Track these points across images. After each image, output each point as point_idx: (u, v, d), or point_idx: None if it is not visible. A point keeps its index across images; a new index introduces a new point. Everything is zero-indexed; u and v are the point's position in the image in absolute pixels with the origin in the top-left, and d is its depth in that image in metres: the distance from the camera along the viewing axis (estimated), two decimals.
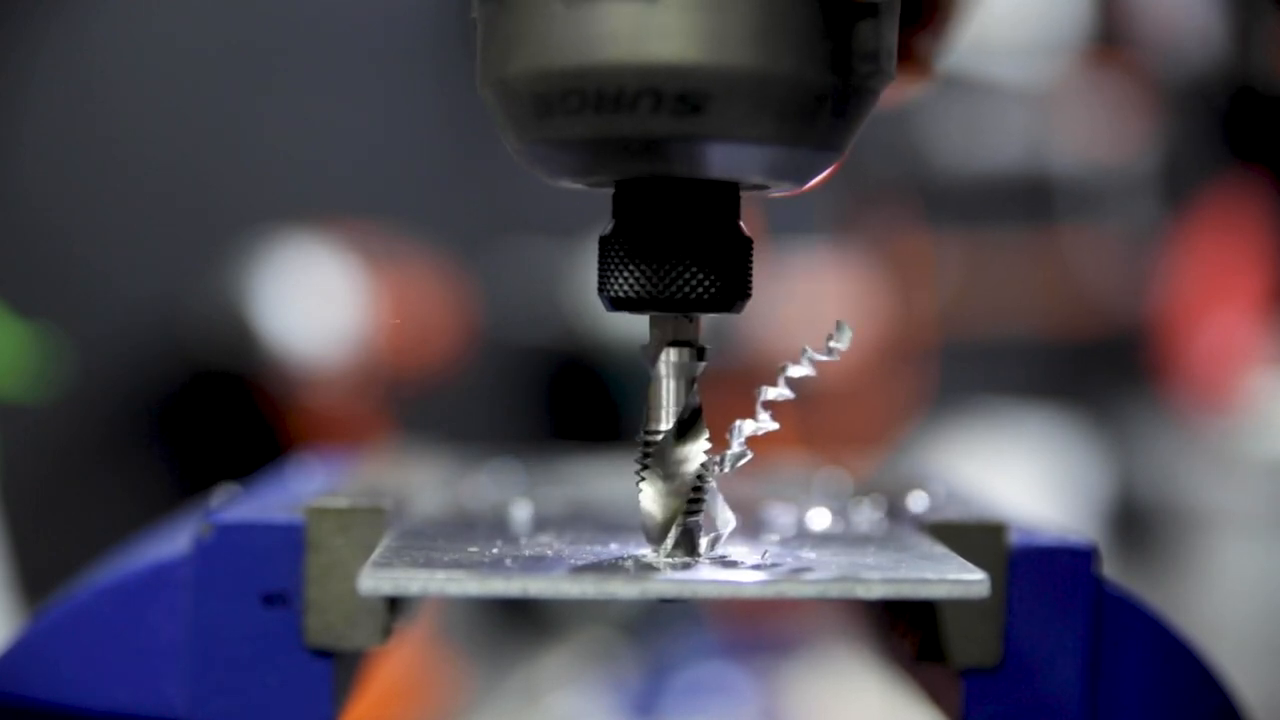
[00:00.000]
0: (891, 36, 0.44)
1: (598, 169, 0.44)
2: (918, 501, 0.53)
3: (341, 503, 0.46)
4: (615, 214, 0.45)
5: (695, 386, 0.46)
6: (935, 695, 0.50)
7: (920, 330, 1.91)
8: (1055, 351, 1.99)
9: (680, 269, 0.44)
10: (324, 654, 0.46)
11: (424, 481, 0.62)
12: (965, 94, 1.94)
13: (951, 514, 0.49)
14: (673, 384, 0.46)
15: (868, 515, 0.55)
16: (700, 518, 0.46)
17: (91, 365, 1.59)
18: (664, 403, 0.46)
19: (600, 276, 0.45)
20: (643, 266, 0.44)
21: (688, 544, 0.46)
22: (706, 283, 0.44)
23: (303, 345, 1.57)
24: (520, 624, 1.57)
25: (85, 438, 1.62)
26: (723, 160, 0.43)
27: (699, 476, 0.46)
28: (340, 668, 0.47)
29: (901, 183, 1.91)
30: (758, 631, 1.50)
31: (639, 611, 1.51)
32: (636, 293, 0.44)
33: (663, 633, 1.49)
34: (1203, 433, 1.85)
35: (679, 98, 0.41)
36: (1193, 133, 2.01)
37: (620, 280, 0.44)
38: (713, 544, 0.46)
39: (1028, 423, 1.91)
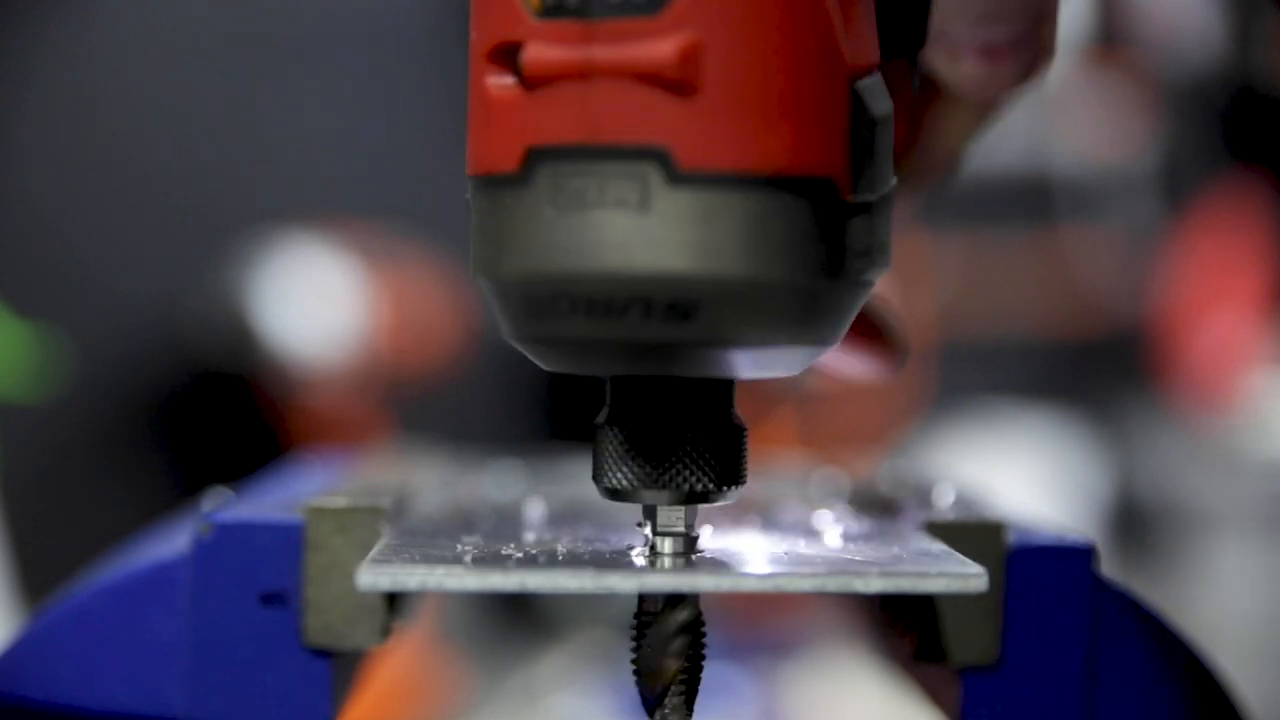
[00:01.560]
0: (886, 229, 0.44)
1: (590, 366, 0.44)
2: (917, 501, 0.54)
3: (340, 502, 0.46)
4: (610, 402, 0.45)
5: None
6: (934, 694, 0.50)
7: (920, 331, 1.91)
8: (1055, 351, 2.00)
9: (675, 462, 0.44)
10: (323, 654, 0.46)
11: (424, 481, 0.62)
12: None
13: (950, 513, 0.49)
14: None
15: (866, 514, 0.55)
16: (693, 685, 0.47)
17: (91, 365, 1.59)
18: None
19: (595, 464, 0.45)
20: (638, 460, 0.44)
21: (682, 711, 0.46)
22: (701, 476, 0.44)
23: (303, 345, 1.57)
24: (520, 624, 1.57)
25: (85, 438, 1.63)
26: (714, 363, 0.43)
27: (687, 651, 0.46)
28: (339, 667, 0.47)
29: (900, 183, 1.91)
30: (758, 631, 1.50)
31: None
32: (630, 483, 0.44)
33: None
34: (1203, 433, 1.85)
35: (669, 306, 0.41)
36: (1193, 133, 2.02)
37: (615, 473, 0.44)
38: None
39: (1028, 423, 1.91)
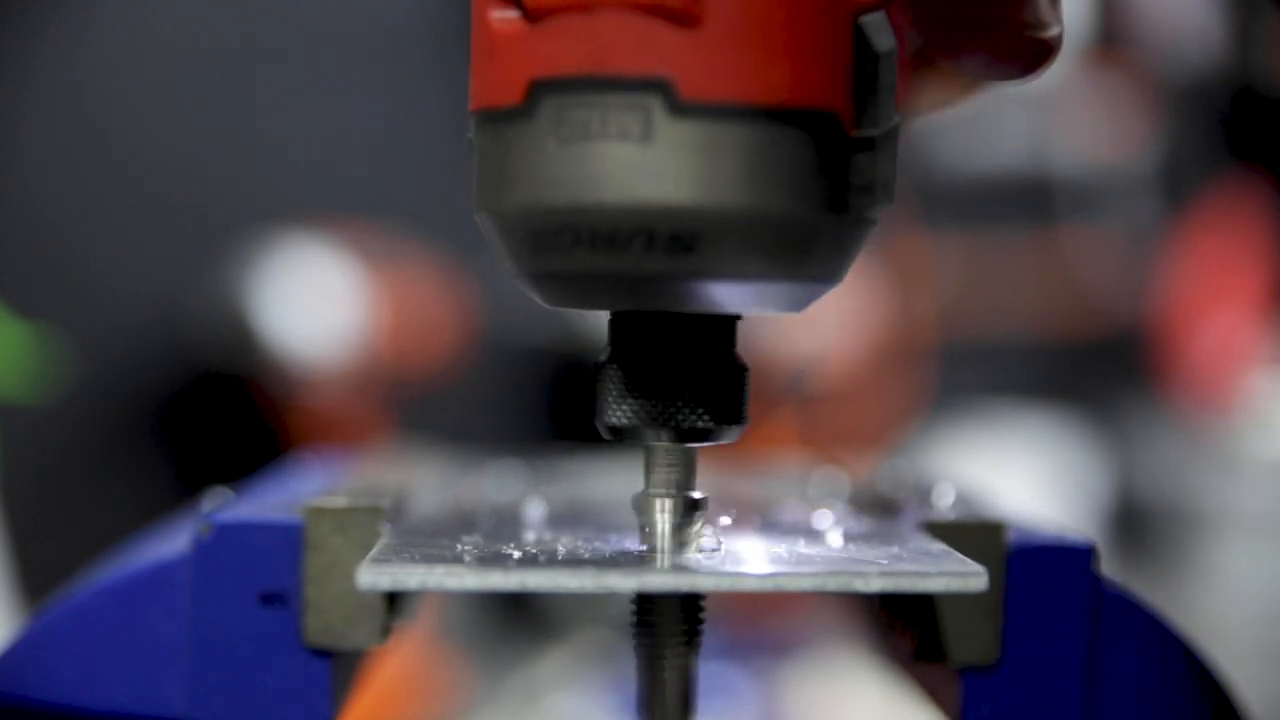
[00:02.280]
0: (890, 166, 0.44)
1: (593, 302, 0.44)
2: (917, 501, 0.54)
3: (340, 502, 0.46)
4: (611, 341, 0.45)
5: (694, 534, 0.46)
6: (934, 694, 0.50)
7: (920, 331, 1.91)
8: (1055, 352, 2.00)
9: (676, 400, 0.44)
10: (323, 653, 0.46)
11: (424, 481, 0.62)
12: None
13: (950, 513, 0.49)
14: (668, 531, 0.46)
15: (866, 514, 0.55)
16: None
17: (91, 365, 1.59)
18: (660, 546, 0.46)
19: (597, 403, 0.45)
20: (639, 397, 0.44)
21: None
22: (700, 413, 0.44)
23: (303, 346, 1.57)
24: (520, 624, 1.57)
25: (85, 438, 1.63)
26: (716, 296, 0.43)
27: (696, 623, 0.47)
28: (339, 667, 0.47)
29: (901, 183, 1.91)
30: (758, 631, 1.50)
31: None
32: (631, 421, 0.44)
33: None
34: (1203, 433, 1.85)
35: (671, 238, 0.41)
36: (1193, 133, 2.02)
37: (616, 411, 0.45)
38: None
39: (1028, 423, 1.91)
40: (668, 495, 0.46)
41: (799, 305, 0.45)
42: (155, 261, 1.64)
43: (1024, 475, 1.81)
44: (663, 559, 0.45)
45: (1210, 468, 1.79)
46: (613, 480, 0.64)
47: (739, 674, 1.43)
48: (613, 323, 0.46)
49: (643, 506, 0.46)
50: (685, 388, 0.44)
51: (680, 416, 0.44)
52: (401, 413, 1.64)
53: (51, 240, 1.62)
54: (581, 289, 0.43)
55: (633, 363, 0.44)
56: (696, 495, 0.46)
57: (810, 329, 1.75)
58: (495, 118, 0.43)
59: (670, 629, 0.47)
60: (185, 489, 0.76)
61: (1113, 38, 2.01)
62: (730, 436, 0.45)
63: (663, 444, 0.45)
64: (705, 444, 0.45)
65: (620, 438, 0.45)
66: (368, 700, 0.55)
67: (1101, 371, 2.00)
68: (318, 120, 1.71)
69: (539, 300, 0.45)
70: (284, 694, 0.45)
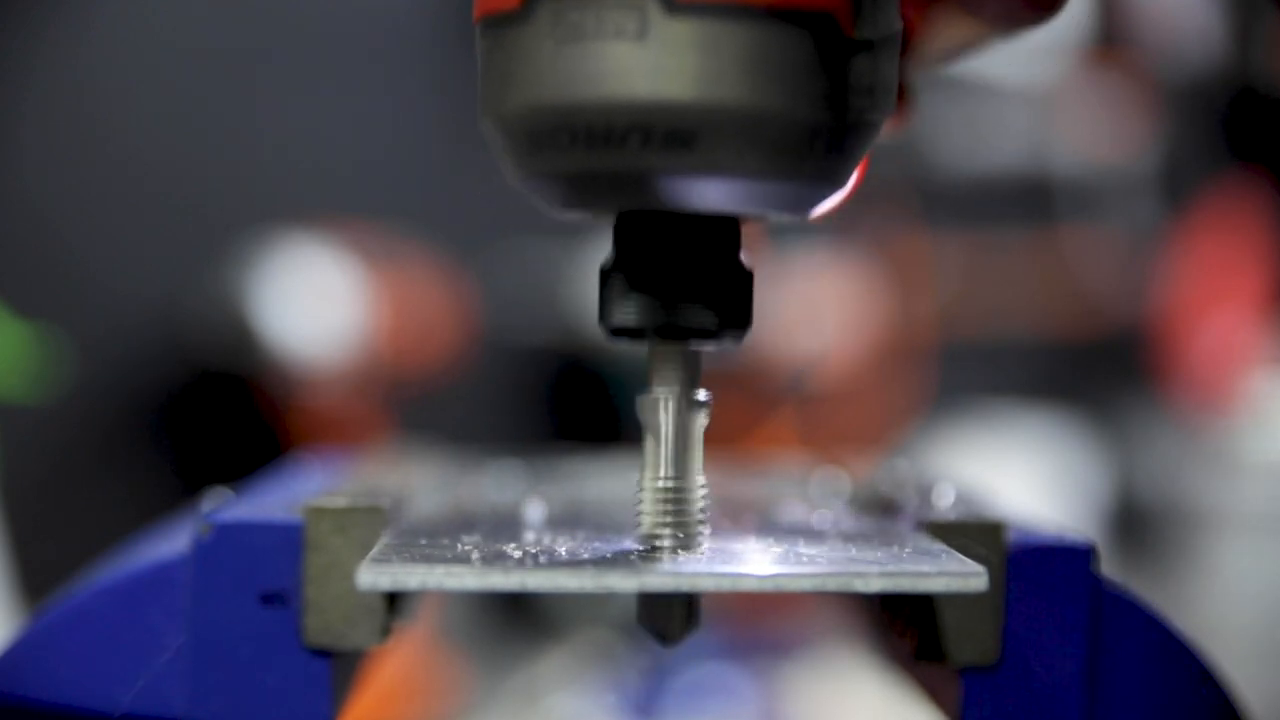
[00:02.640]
0: (890, 70, 0.44)
1: (593, 202, 0.45)
2: (917, 501, 0.54)
3: (340, 502, 0.46)
4: (615, 243, 0.46)
5: (698, 436, 0.46)
6: (934, 694, 0.50)
7: (920, 331, 1.91)
8: (1055, 352, 2.00)
9: (678, 298, 0.44)
10: (323, 653, 0.46)
11: (424, 482, 0.62)
12: (965, 94, 1.94)
13: (949, 513, 0.49)
14: (671, 432, 0.46)
15: (866, 514, 0.55)
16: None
17: (91, 365, 1.60)
18: (662, 452, 0.46)
19: (600, 306, 0.45)
20: (642, 295, 0.44)
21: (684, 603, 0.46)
22: (705, 312, 0.44)
23: (303, 346, 1.57)
24: (520, 624, 1.57)
25: (85, 438, 1.63)
26: (714, 194, 0.43)
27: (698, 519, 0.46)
28: (339, 667, 0.47)
29: (901, 183, 1.91)
30: (757, 632, 1.50)
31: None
32: (635, 322, 0.45)
33: None
34: (1203, 433, 1.85)
35: (667, 134, 0.41)
36: (1193, 133, 2.02)
37: (619, 310, 0.45)
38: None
39: (1028, 423, 1.91)
40: (670, 395, 0.46)
41: (802, 208, 0.45)
42: (155, 261, 1.64)
43: (1024, 475, 1.81)
44: (665, 466, 0.45)
45: (1210, 468, 1.79)
46: (613, 480, 0.64)
47: (739, 674, 1.43)
48: (616, 226, 0.46)
49: (644, 407, 0.46)
50: (688, 286, 0.44)
51: (682, 313, 0.44)
52: (401, 413, 1.64)
53: (51, 240, 1.62)
54: (581, 189, 0.44)
55: (636, 264, 0.45)
56: (700, 396, 0.46)
57: (810, 329, 1.75)
58: (495, 23, 0.43)
59: None
60: (185, 489, 0.76)
61: (1113, 38, 2.01)
62: (734, 341, 0.45)
63: (665, 346, 0.45)
64: (709, 346, 0.45)
65: (624, 337, 0.45)
66: (368, 700, 0.55)
67: (1101, 371, 2.00)
68: (318, 120, 1.71)
69: (544, 205, 0.45)
70: (284, 694, 0.45)
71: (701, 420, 0.46)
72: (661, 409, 0.46)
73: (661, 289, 0.44)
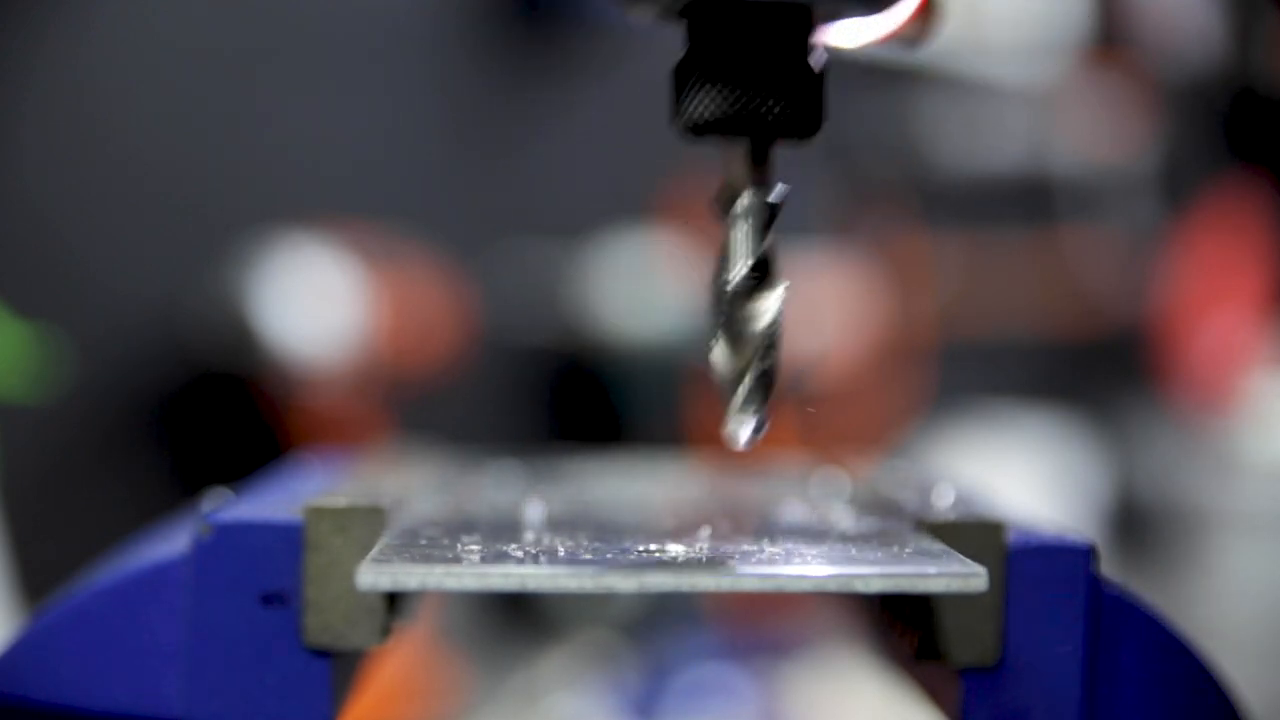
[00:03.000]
0: None
1: None
2: (917, 501, 0.54)
3: (340, 502, 0.46)
4: (688, 39, 0.45)
5: (771, 234, 0.46)
6: (934, 694, 0.50)
7: (920, 331, 1.91)
8: (1055, 352, 2.00)
9: (755, 89, 0.44)
10: (323, 654, 0.46)
11: (424, 482, 0.62)
12: (965, 94, 1.94)
13: (950, 513, 0.49)
14: (748, 228, 0.46)
15: (866, 514, 0.55)
16: (773, 365, 0.46)
17: (91, 365, 1.59)
18: (738, 249, 0.46)
19: (675, 105, 0.45)
20: (718, 87, 0.44)
21: (761, 393, 0.46)
22: (782, 103, 0.44)
23: (303, 346, 1.57)
24: (520, 624, 1.57)
25: (85, 438, 1.63)
26: None
27: (771, 326, 0.46)
28: (339, 667, 0.47)
29: (901, 183, 1.91)
30: (757, 632, 1.50)
31: (639, 612, 1.51)
32: (711, 114, 0.44)
33: (663, 633, 1.49)
34: (1203, 433, 1.85)
35: None
36: (1193, 133, 2.02)
37: (695, 103, 0.44)
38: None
39: (1028, 423, 1.91)
40: (745, 191, 0.45)
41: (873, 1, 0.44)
42: (155, 261, 1.64)
43: (1024, 475, 1.81)
44: (740, 266, 0.45)
45: (1210, 468, 1.79)
46: (615, 482, 0.64)
47: (739, 674, 1.43)
48: (689, 22, 0.45)
49: (721, 197, 0.46)
50: (762, 80, 0.44)
51: (758, 105, 0.44)
52: (401, 413, 1.64)
53: (51, 240, 1.62)
54: None
55: (709, 57, 0.44)
56: (773, 199, 0.46)
57: (810, 329, 1.75)
58: None
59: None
60: (185, 489, 0.76)
61: (1113, 38, 2.01)
62: (807, 134, 0.45)
63: (735, 140, 0.45)
64: (783, 139, 0.45)
65: (698, 133, 0.45)
66: (368, 700, 0.55)
67: (1101, 371, 2.00)
68: (317, 120, 1.70)
69: (620, 6, 0.45)
70: (284, 694, 0.45)
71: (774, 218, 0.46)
72: (738, 205, 0.45)
73: (737, 82, 0.44)
